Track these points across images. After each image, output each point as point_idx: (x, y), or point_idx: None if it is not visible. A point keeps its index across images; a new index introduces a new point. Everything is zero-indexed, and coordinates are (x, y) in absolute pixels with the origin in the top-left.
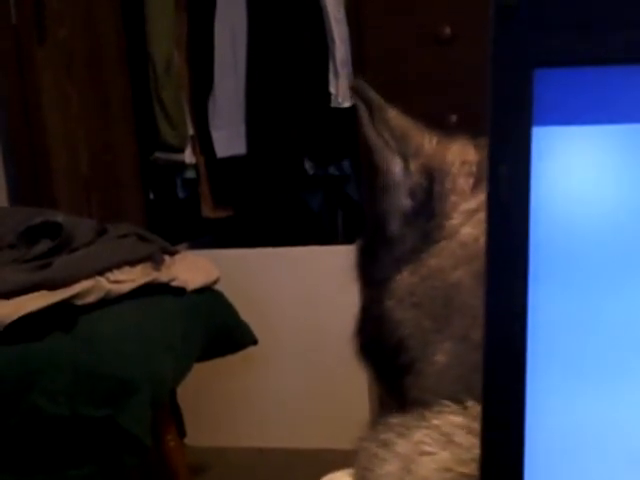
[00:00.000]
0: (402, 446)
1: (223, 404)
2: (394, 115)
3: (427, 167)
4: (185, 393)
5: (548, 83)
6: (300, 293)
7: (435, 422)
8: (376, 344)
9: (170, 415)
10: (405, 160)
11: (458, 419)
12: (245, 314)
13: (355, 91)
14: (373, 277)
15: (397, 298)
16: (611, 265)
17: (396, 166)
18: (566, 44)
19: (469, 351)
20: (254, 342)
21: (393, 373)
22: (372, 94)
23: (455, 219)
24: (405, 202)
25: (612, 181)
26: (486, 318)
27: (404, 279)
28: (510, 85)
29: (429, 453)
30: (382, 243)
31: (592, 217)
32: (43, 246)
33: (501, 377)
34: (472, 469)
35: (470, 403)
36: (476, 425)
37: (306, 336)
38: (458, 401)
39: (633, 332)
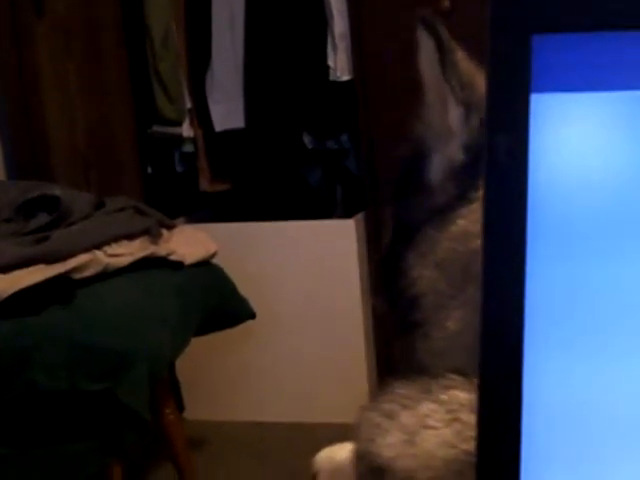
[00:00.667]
0: (406, 418)
1: (221, 378)
2: (462, 58)
3: None
4: (184, 367)
5: (546, 50)
6: (298, 267)
7: (442, 397)
8: (391, 294)
9: (169, 389)
10: (468, 110)
11: (464, 395)
12: (243, 288)
13: (424, 24)
14: (401, 220)
15: (419, 252)
16: (609, 233)
17: (456, 116)
18: (564, 10)
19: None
20: (252, 316)
21: (404, 329)
22: (442, 31)
23: None
24: (457, 155)
25: (610, 148)
26: (484, 290)
27: (430, 233)
28: (508, 52)
29: (433, 427)
30: (418, 188)
31: (590, 184)
32: (40, 220)
33: (498, 350)
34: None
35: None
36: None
37: (304, 310)
38: (464, 373)
39: (631, 303)
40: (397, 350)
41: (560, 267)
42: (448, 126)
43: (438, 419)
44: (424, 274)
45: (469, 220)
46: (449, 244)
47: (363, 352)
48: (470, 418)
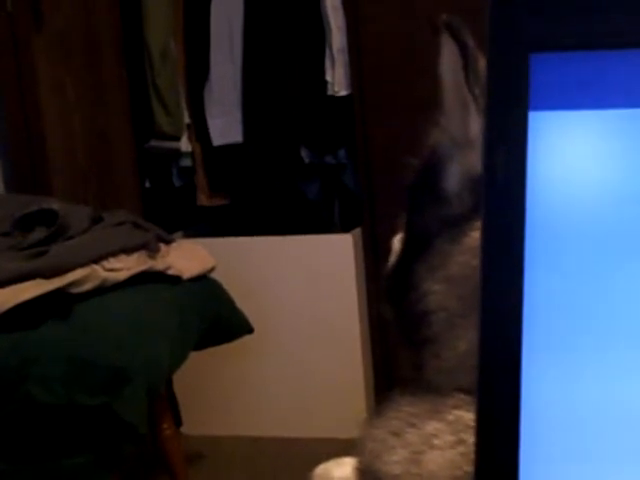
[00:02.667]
0: (412, 436)
1: (219, 393)
2: (484, 67)
3: None
4: (181, 382)
5: (544, 68)
6: (296, 282)
7: (449, 417)
8: (400, 307)
9: (166, 404)
10: None
11: (471, 416)
12: (241, 303)
13: (448, 28)
14: (413, 230)
15: (430, 265)
16: (606, 249)
17: (476, 126)
18: (562, 28)
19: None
20: (250, 331)
21: (412, 344)
22: (468, 37)
23: None
24: (476, 164)
25: (608, 166)
26: (481, 309)
27: (443, 245)
28: (507, 70)
29: (439, 448)
30: (432, 197)
31: (588, 202)
32: (38, 234)
33: (497, 360)
34: (430, 465)
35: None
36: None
37: (302, 325)
38: (472, 392)
39: (627, 318)
40: (403, 362)
41: (559, 282)
42: (468, 135)
43: (444, 440)
44: (435, 289)
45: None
46: (462, 258)
47: (361, 367)
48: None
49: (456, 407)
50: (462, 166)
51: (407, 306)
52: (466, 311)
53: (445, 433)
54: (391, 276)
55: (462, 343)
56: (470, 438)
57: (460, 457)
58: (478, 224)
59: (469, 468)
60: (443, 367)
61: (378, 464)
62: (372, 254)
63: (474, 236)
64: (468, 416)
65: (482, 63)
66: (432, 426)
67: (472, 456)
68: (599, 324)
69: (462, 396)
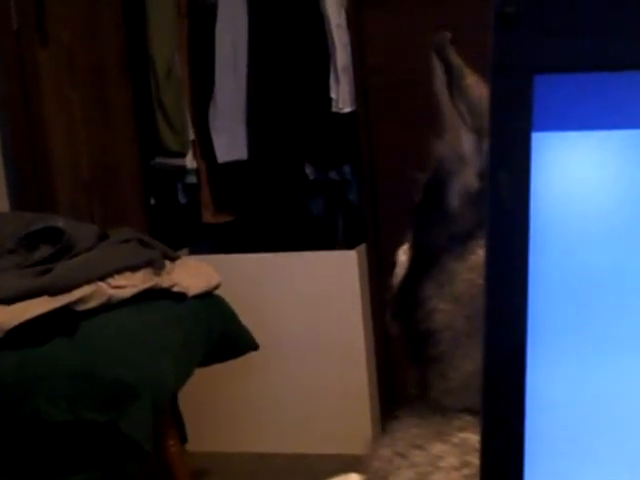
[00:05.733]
0: (418, 457)
1: (224, 409)
2: (473, 84)
3: None
4: (186, 398)
5: (548, 89)
6: (301, 298)
7: (455, 440)
8: (407, 324)
9: (171, 420)
10: (479, 137)
11: (477, 439)
12: (246, 319)
13: (436, 49)
14: (420, 247)
15: (437, 282)
16: (610, 269)
17: (468, 143)
18: (566, 50)
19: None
20: (255, 348)
21: (418, 362)
22: (453, 56)
23: None
24: (472, 182)
25: (612, 187)
26: (486, 329)
27: (449, 263)
28: (510, 91)
29: (445, 470)
30: (438, 212)
31: (591, 223)
32: (44, 251)
33: (501, 378)
34: None
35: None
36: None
37: (307, 341)
38: (478, 413)
39: (633, 336)
40: (409, 380)
41: (562, 302)
42: (461, 152)
43: (450, 462)
44: (441, 307)
45: None
46: (468, 276)
47: (365, 384)
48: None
49: (462, 429)
50: (461, 183)
51: (413, 324)
52: (472, 331)
53: (451, 455)
54: (398, 292)
55: (468, 363)
56: (475, 460)
57: (465, 479)
58: (484, 241)
59: None
60: (449, 387)
61: None
62: (376, 271)
63: (481, 253)
64: (474, 438)
65: (470, 80)
66: (438, 448)
67: (477, 478)
68: (604, 341)
69: (468, 417)
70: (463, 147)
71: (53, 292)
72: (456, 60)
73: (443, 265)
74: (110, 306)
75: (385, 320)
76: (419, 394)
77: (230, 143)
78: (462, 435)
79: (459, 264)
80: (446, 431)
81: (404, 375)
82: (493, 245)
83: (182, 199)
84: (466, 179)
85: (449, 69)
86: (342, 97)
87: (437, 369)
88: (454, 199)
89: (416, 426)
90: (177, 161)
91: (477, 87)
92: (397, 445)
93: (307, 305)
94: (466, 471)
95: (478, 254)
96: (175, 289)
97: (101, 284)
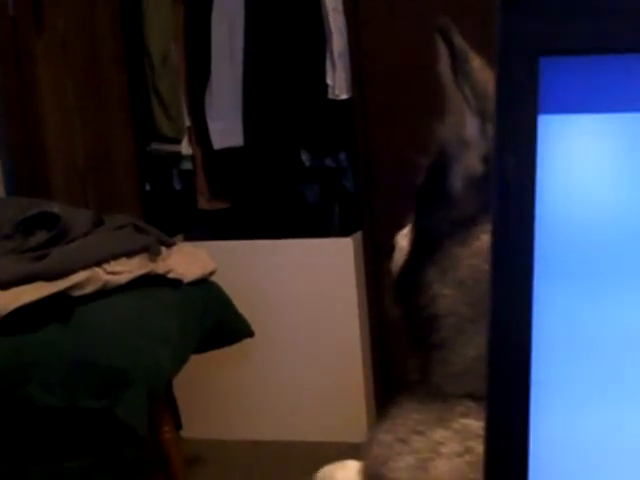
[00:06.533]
0: (419, 443)
1: (219, 396)
2: (478, 67)
3: None
4: (181, 385)
5: (554, 71)
6: (296, 285)
7: (456, 426)
8: (408, 309)
9: (166, 407)
10: (483, 121)
11: (478, 424)
12: (241, 306)
13: (440, 32)
14: (422, 231)
15: (440, 268)
16: (616, 253)
17: (473, 126)
18: (572, 32)
19: None
20: (250, 334)
21: (420, 348)
22: (458, 39)
23: None
24: (476, 165)
25: (618, 169)
26: (491, 314)
27: (452, 247)
28: (516, 74)
29: (446, 456)
30: (440, 196)
31: (597, 205)
32: (40, 237)
33: (506, 371)
34: (436, 472)
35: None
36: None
37: (302, 328)
38: (479, 397)
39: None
40: (410, 365)
41: (568, 286)
42: (464, 136)
43: (451, 448)
44: (444, 293)
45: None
46: (472, 261)
47: (360, 371)
48: (482, 449)
49: (463, 415)
50: (464, 166)
51: (416, 309)
52: (475, 316)
53: (452, 441)
54: (399, 277)
55: (470, 349)
56: (477, 447)
57: (467, 465)
58: (488, 226)
59: (475, 477)
60: (451, 372)
61: (384, 470)
62: (372, 258)
63: (485, 239)
64: (475, 424)
65: (475, 63)
66: (439, 434)
67: (479, 465)
68: (608, 328)
69: (470, 403)
70: (467, 130)
71: (49, 277)
72: (461, 43)
73: (446, 250)
74: (106, 292)
75: (384, 305)
76: (420, 379)
77: (226, 129)
78: (464, 421)
79: (463, 249)
80: (447, 417)
81: (400, 362)
82: (499, 227)
83: (177, 185)
84: (469, 163)
85: (453, 52)
86: (338, 83)
87: (439, 354)
88: (457, 183)
89: (417, 412)
90: (172, 147)
91: (482, 70)
92: (398, 431)
93: (302, 292)
94: (468, 457)
95: (482, 240)
96: (171, 275)
97: (97, 270)
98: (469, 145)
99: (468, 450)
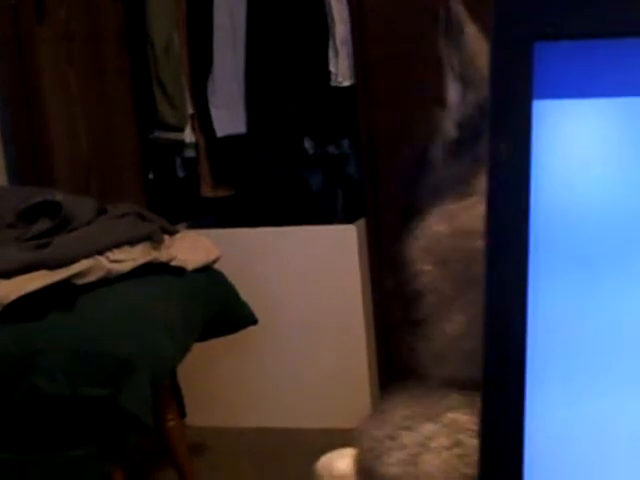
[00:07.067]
0: (408, 438)
1: (223, 384)
2: (470, 34)
3: (484, 105)
4: (185, 373)
5: (548, 57)
6: (300, 272)
7: (444, 420)
8: (395, 286)
9: (170, 395)
10: (464, 87)
11: (467, 418)
12: (245, 294)
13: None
14: (407, 206)
15: (421, 244)
16: (613, 243)
17: (453, 91)
18: (567, 17)
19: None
20: (254, 322)
21: (405, 325)
22: (455, 6)
23: None
24: (451, 131)
25: (612, 154)
26: (486, 303)
27: (436, 223)
28: (511, 58)
29: (436, 450)
30: (421, 167)
31: (592, 190)
32: (42, 225)
33: (501, 372)
34: (476, 471)
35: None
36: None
37: (306, 316)
38: (465, 386)
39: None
40: (402, 345)
41: (563, 273)
42: (446, 102)
43: (440, 442)
44: (425, 270)
45: (473, 215)
46: (454, 239)
47: (364, 358)
48: (471, 442)
49: (451, 409)
50: (442, 133)
51: (402, 284)
52: (456, 293)
53: (441, 435)
54: (392, 253)
55: (452, 326)
56: (466, 440)
57: (457, 459)
58: (469, 203)
59: (466, 470)
60: (433, 350)
61: (377, 465)
62: (376, 245)
63: (462, 218)
64: (464, 418)
65: (469, 31)
66: (427, 428)
67: (467, 458)
68: (604, 319)
69: (456, 396)
70: (448, 95)
71: (52, 266)
72: (459, 9)
73: (427, 227)
74: (109, 280)
75: (385, 278)
76: (407, 361)
77: (229, 117)
78: (451, 415)
79: (444, 226)
80: (435, 411)
81: (402, 349)
82: (494, 214)
83: (180, 173)
84: (446, 127)
85: (449, 20)
86: (341, 70)
87: (422, 331)
88: (437, 152)
89: (405, 406)
90: (176, 135)
91: (475, 40)
92: (385, 427)
93: (306, 279)
94: (457, 450)
95: (461, 220)
96: (174, 263)
97: (100, 258)
98: (448, 110)
99: (458, 443)
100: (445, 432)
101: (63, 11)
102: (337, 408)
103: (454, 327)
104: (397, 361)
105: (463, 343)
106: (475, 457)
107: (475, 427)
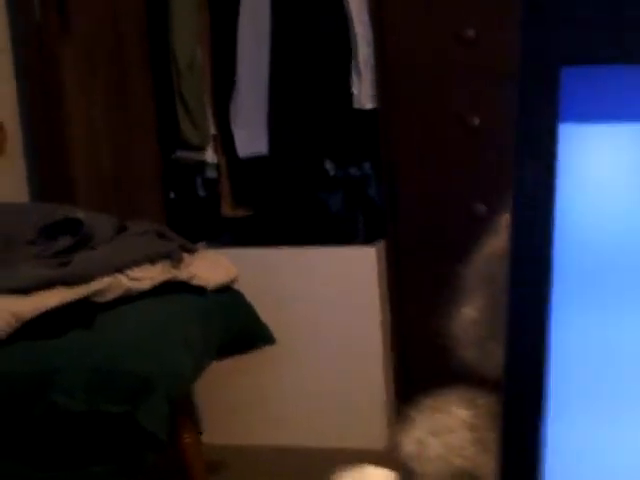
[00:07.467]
0: (441, 440)
1: (240, 402)
2: None
3: None
4: (202, 391)
5: (575, 81)
6: (319, 293)
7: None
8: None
9: (187, 412)
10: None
11: (464, 413)
12: (263, 313)
13: None
14: None
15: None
16: (636, 269)
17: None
18: (593, 43)
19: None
20: (272, 342)
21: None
22: None
23: None
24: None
25: (637, 179)
26: (508, 326)
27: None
28: (537, 82)
29: (429, 444)
30: None
31: (618, 216)
32: (63, 242)
33: (521, 401)
34: (464, 462)
35: (481, 401)
36: (478, 422)
37: (324, 336)
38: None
39: None
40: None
41: (588, 296)
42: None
43: (434, 434)
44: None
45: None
46: (493, 240)
47: (382, 379)
48: (464, 435)
49: (449, 402)
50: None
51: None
52: (478, 284)
53: (437, 427)
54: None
55: (469, 310)
56: (459, 431)
57: (447, 449)
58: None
59: (456, 460)
60: (452, 328)
61: (414, 465)
62: (395, 267)
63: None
64: (463, 412)
65: None
66: (461, 434)
67: (460, 451)
68: (626, 343)
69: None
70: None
71: (71, 283)
72: None
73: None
74: (128, 298)
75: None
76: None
77: (251, 137)
78: (449, 409)
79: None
80: (442, 408)
81: (420, 371)
82: (518, 233)
83: (201, 193)
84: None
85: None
86: (364, 93)
87: (447, 310)
88: None
89: (435, 411)
90: (197, 155)
91: None
92: (421, 430)
93: (325, 300)
94: (451, 439)
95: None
96: (194, 282)
97: (119, 276)
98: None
99: (450, 432)
100: (441, 424)
101: (87, 29)
102: (354, 428)
103: (471, 311)
104: (414, 383)
105: (476, 330)
106: (465, 449)
107: (471, 422)
